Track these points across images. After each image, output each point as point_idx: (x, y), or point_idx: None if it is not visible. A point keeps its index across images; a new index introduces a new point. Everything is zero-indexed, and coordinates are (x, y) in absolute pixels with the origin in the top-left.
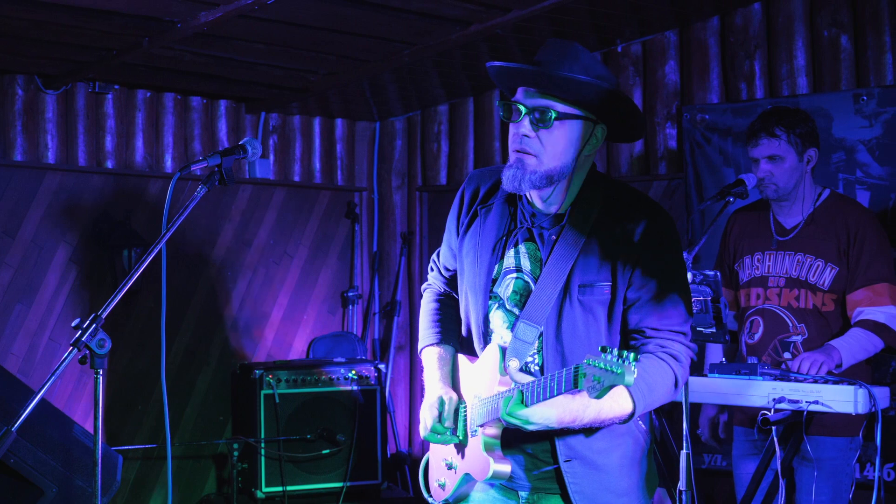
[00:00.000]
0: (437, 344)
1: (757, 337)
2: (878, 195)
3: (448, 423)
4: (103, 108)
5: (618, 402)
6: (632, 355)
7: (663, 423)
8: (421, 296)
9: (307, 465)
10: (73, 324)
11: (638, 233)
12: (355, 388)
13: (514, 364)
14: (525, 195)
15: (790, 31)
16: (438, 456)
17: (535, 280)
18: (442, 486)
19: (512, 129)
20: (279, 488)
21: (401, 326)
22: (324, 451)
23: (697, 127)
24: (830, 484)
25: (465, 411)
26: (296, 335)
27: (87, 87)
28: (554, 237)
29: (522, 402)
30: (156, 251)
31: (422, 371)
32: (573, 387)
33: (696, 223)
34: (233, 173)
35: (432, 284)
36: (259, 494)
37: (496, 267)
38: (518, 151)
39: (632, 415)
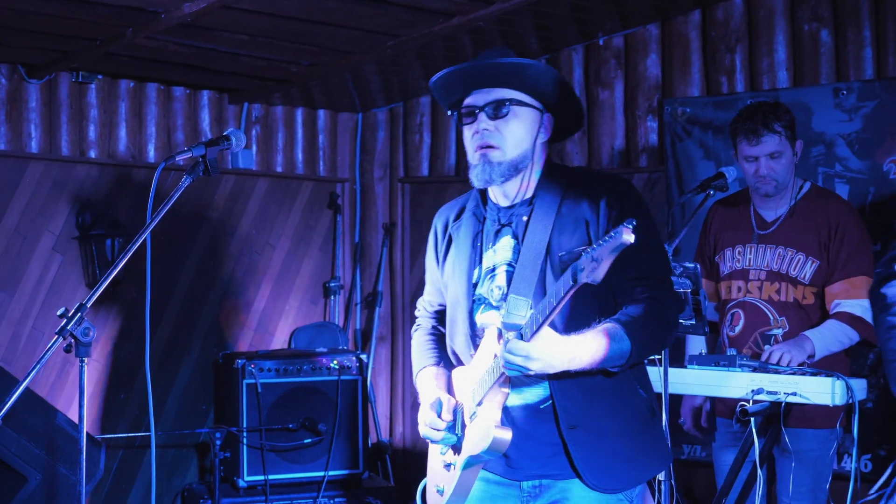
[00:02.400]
0: (433, 365)
1: (738, 329)
2: (857, 189)
3: (447, 417)
4: (86, 98)
5: (615, 340)
6: (626, 222)
7: None
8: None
9: (289, 455)
10: (58, 312)
11: (605, 196)
12: (337, 377)
13: (511, 334)
14: (490, 199)
15: (771, 25)
16: (437, 465)
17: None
18: (440, 492)
19: (468, 130)
20: (261, 477)
21: (382, 317)
22: (306, 441)
23: (678, 120)
24: (810, 475)
25: (463, 413)
26: (278, 325)
27: (70, 77)
28: (526, 218)
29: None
30: (140, 240)
31: (403, 361)
32: (572, 283)
33: (676, 216)
34: (217, 164)
35: (422, 324)
36: (241, 483)
37: (476, 270)
38: (481, 148)
39: (631, 353)
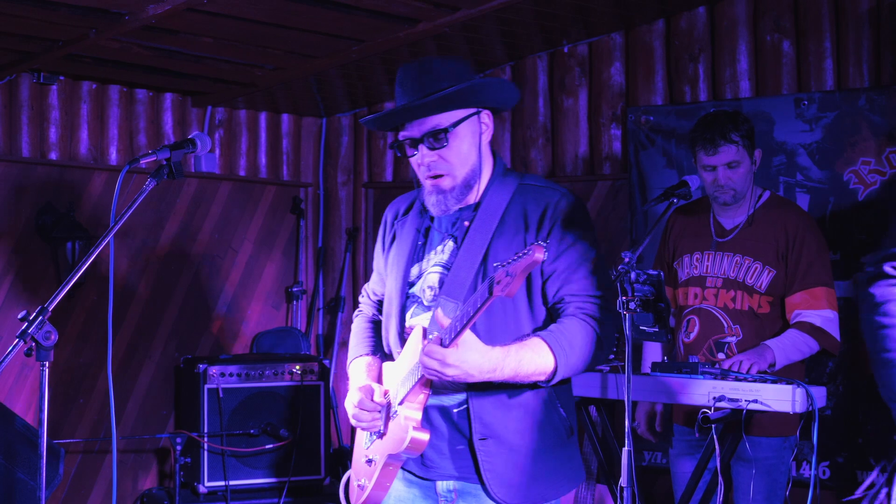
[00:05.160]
0: (367, 355)
1: (693, 336)
2: (817, 198)
3: (378, 399)
4: (48, 100)
5: (539, 355)
6: (539, 241)
7: (604, 418)
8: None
9: (250, 460)
10: (19, 316)
11: (548, 209)
12: (299, 383)
13: (436, 334)
14: None
15: (734, 35)
16: (360, 459)
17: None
18: (362, 487)
19: (414, 161)
20: (222, 483)
21: (345, 322)
22: (267, 446)
23: (642, 128)
24: (766, 482)
25: (389, 402)
26: (240, 330)
27: (31, 78)
28: (467, 223)
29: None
30: (104, 244)
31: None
32: (488, 294)
33: (639, 224)
34: (182, 167)
35: (364, 311)
36: (201, 489)
37: (413, 269)
38: (430, 178)
39: (555, 372)
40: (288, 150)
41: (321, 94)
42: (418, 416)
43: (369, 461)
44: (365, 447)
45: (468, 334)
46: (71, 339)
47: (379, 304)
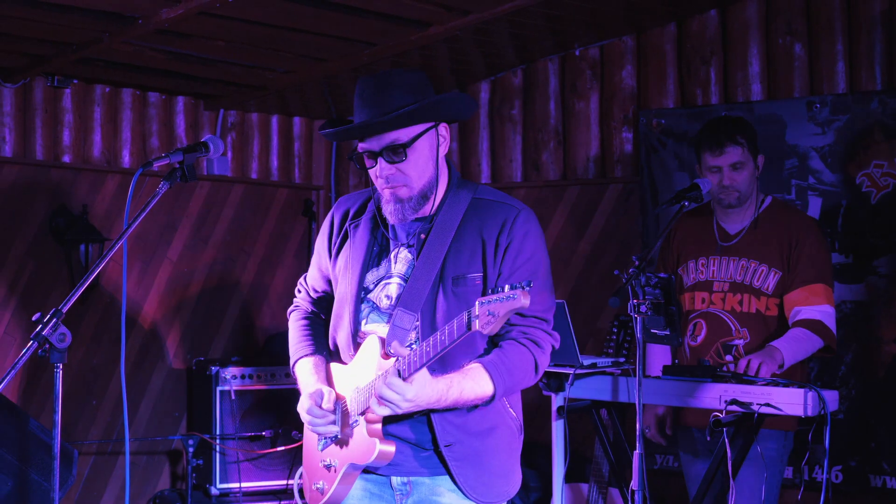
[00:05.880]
0: (310, 355)
1: (699, 339)
2: (829, 202)
3: (328, 406)
4: (61, 103)
5: (479, 384)
6: (523, 282)
7: (615, 421)
8: None
9: (262, 462)
10: (33, 318)
11: (505, 225)
12: None
13: (395, 344)
14: None
15: (745, 38)
16: (314, 461)
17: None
18: (321, 490)
19: (372, 173)
20: (234, 485)
21: None
22: (279, 448)
23: (653, 131)
24: (768, 475)
25: (344, 406)
26: (252, 332)
27: (45, 81)
28: (424, 235)
29: (399, 376)
30: (117, 246)
31: None
32: (466, 329)
33: (650, 227)
34: (195, 170)
35: (300, 305)
36: (213, 491)
37: (369, 275)
38: (388, 188)
39: (493, 397)
40: (300, 152)
41: (332, 97)
42: (380, 428)
43: (328, 466)
44: (319, 449)
45: (422, 369)
46: (84, 341)
47: (317, 302)
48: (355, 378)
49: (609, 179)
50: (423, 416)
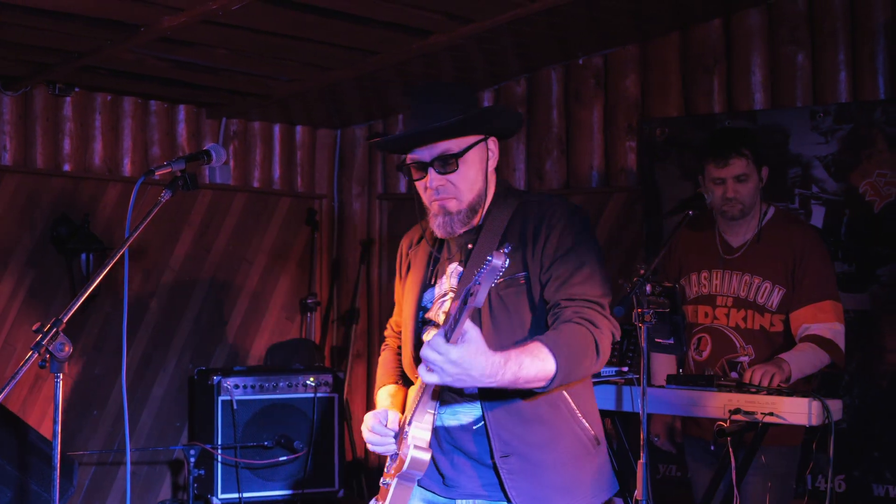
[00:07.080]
0: (392, 384)
1: (705, 354)
2: (832, 211)
3: (392, 426)
4: (62, 111)
5: (539, 359)
6: (503, 249)
7: (619, 431)
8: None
9: (264, 472)
10: (34, 328)
11: (544, 219)
12: (313, 395)
13: (436, 330)
14: None
15: (749, 47)
16: (381, 482)
17: None
18: None
19: (420, 185)
20: (235, 495)
21: (359, 334)
22: (281, 458)
23: (657, 140)
24: (774, 490)
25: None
26: (254, 341)
27: (47, 90)
28: (471, 245)
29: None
30: (118, 255)
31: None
32: (462, 304)
33: (654, 236)
34: (197, 179)
35: (389, 343)
36: (215, 501)
37: (426, 294)
38: (437, 201)
39: (555, 376)
40: (302, 161)
41: (336, 105)
42: (425, 435)
43: (385, 483)
44: (385, 470)
45: (474, 332)
46: (85, 351)
47: (401, 336)
48: (415, 393)
49: (612, 188)
50: (483, 427)
